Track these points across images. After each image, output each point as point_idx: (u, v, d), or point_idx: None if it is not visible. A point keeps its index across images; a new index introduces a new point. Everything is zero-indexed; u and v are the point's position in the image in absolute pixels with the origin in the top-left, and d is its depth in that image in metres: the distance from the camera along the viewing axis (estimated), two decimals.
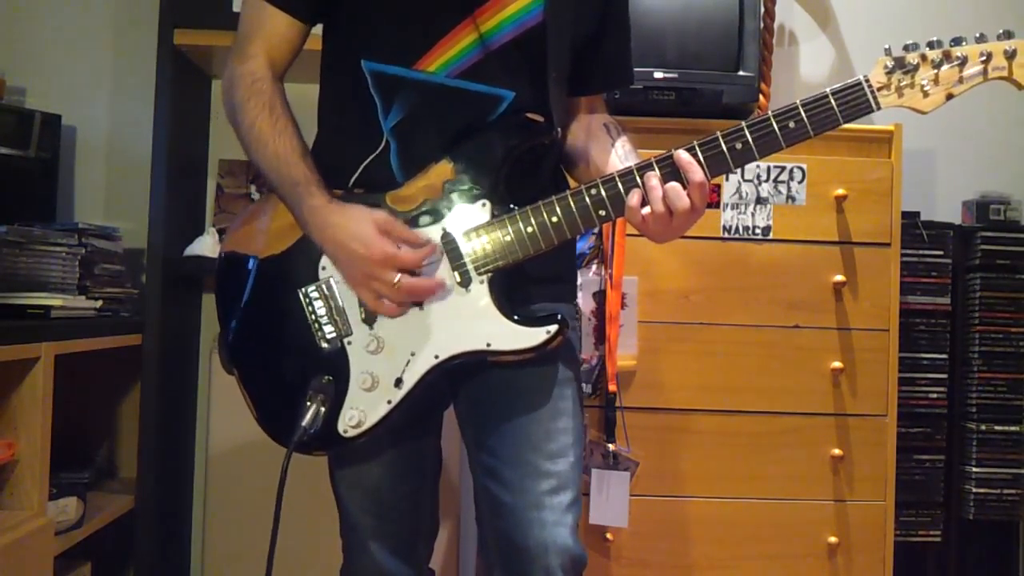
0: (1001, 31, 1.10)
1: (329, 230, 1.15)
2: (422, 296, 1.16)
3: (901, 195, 2.01)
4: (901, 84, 1.11)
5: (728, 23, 2.03)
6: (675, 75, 2.00)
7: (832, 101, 1.12)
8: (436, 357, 1.17)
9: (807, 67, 2.47)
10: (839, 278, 1.99)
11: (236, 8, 1.98)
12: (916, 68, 1.10)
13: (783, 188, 2.00)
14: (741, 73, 2.02)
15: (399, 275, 1.12)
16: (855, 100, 1.11)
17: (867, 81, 1.11)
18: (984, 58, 1.09)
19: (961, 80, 1.10)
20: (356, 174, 1.22)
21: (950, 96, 1.11)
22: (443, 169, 1.19)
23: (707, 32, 2.04)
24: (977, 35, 1.10)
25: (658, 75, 1.99)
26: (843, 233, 2.00)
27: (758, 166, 1.99)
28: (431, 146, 1.20)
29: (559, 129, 1.25)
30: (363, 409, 1.18)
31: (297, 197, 1.16)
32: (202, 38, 2.02)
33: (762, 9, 2.11)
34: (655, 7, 2.03)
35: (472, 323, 1.17)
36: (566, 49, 1.26)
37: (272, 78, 1.21)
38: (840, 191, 1.99)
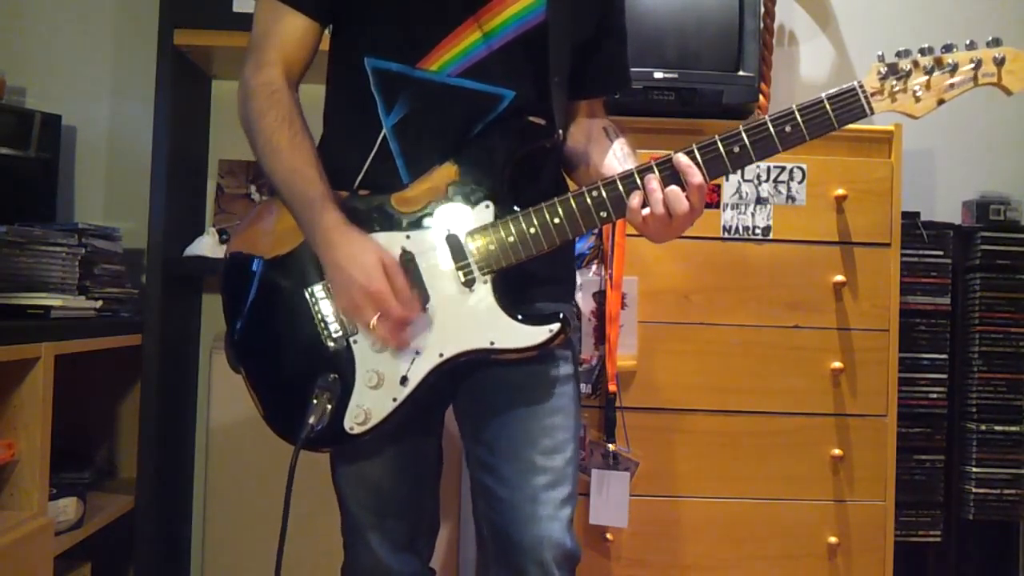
0: (990, 38, 1.12)
1: (335, 251, 1.15)
2: (391, 341, 1.17)
3: (901, 195, 2.01)
4: (894, 89, 1.13)
5: (728, 23, 2.03)
6: (675, 75, 2.00)
7: (827, 106, 1.13)
8: (441, 355, 1.18)
9: (807, 67, 2.47)
10: (839, 278, 1.99)
11: (236, 8, 1.98)
12: (908, 74, 1.13)
13: (783, 188, 2.00)
14: (741, 73, 2.02)
15: (376, 317, 1.14)
16: (849, 105, 1.13)
17: (861, 87, 1.13)
18: (974, 65, 1.12)
19: (952, 86, 1.13)
20: (361, 175, 1.23)
21: (941, 101, 1.14)
22: (447, 171, 1.20)
23: (707, 32, 2.04)
24: (967, 42, 1.12)
25: (658, 75, 1.99)
26: (843, 233, 2.00)
27: (758, 166, 1.99)
28: (433, 146, 1.21)
29: (560, 131, 1.26)
30: (369, 406, 1.19)
31: (311, 214, 1.16)
32: (202, 38, 2.02)
33: (762, 9, 2.11)
34: (655, 7, 2.03)
35: (476, 322, 1.18)
36: (567, 50, 1.27)
37: (289, 88, 1.21)
38: (840, 191, 1.99)
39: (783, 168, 2.00)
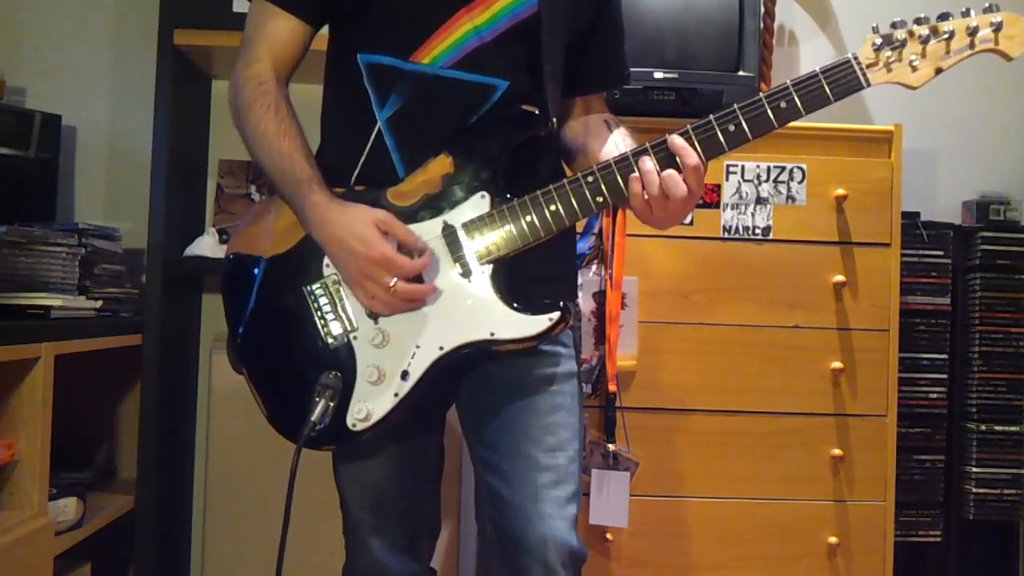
0: (987, 4, 1.11)
1: (329, 227, 1.15)
2: (415, 301, 1.17)
3: (901, 195, 2.01)
4: (890, 60, 1.12)
5: (728, 23, 2.03)
6: (675, 75, 2.00)
7: (822, 80, 1.13)
8: (441, 348, 1.18)
9: (807, 67, 2.43)
10: (839, 278, 1.99)
11: (236, 8, 1.98)
12: (904, 44, 1.11)
13: (783, 188, 2.00)
14: (741, 73, 2.02)
15: (395, 279, 1.13)
16: (845, 78, 1.12)
17: (856, 59, 1.12)
18: (971, 31, 1.10)
19: (949, 53, 1.11)
20: (356, 170, 1.23)
21: (939, 70, 1.12)
22: (442, 163, 1.20)
23: (707, 32, 2.04)
24: (963, 9, 1.11)
25: (658, 75, 1.99)
26: (843, 233, 2.00)
27: (758, 166, 1.99)
28: (428, 138, 1.21)
29: (555, 120, 1.26)
30: (371, 403, 1.19)
31: (300, 195, 1.17)
32: (202, 38, 2.02)
33: (762, 9, 2.11)
34: (655, 7, 2.03)
35: (475, 313, 1.18)
36: (561, 42, 1.27)
37: (276, 81, 1.22)
38: (840, 191, 1.99)
39: (783, 168, 2.00)
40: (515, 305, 1.18)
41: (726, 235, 2.00)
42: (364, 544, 1.31)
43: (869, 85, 1.12)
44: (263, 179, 2.29)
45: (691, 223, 1.96)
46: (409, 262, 1.14)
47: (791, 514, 1.99)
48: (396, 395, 1.18)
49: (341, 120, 1.29)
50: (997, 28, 1.09)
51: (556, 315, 1.17)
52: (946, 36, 1.10)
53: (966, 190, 2.40)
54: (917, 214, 2.21)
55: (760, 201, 2.00)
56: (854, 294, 2.00)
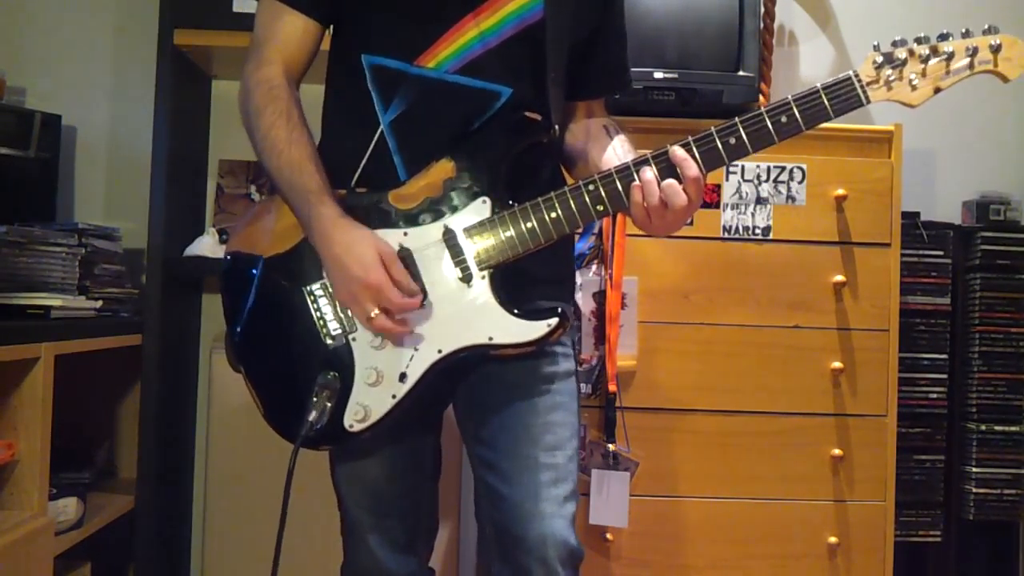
0: (987, 26, 1.12)
1: (332, 244, 1.15)
2: (388, 333, 1.17)
3: (901, 195, 2.01)
4: (890, 78, 1.14)
5: (728, 23, 2.03)
6: (675, 75, 2.00)
7: (823, 96, 1.14)
8: (439, 352, 1.18)
9: (807, 67, 2.47)
10: (839, 278, 1.99)
11: (236, 8, 1.98)
12: (904, 63, 1.13)
13: (783, 188, 2.00)
14: (741, 73, 2.02)
15: (376, 310, 1.14)
16: (845, 94, 1.14)
17: (856, 76, 1.14)
18: (970, 52, 1.12)
19: (948, 73, 1.13)
20: (358, 172, 1.23)
21: (938, 89, 1.14)
22: (444, 167, 1.20)
23: (707, 32, 2.04)
24: (963, 30, 1.12)
25: (658, 75, 1.99)
26: (843, 233, 2.00)
27: (758, 166, 1.99)
28: (430, 142, 1.21)
29: (556, 127, 1.26)
30: (368, 404, 1.19)
31: (308, 206, 1.17)
32: (202, 38, 2.02)
33: (762, 9, 2.11)
34: (655, 7, 2.03)
35: (474, 318, 1.18)
36: (564, 49, 1.27)
37: (288, 85, 1.22)
38: (840, 191, 1.99)
39: (783, 168, 2.00)
40: (515, 311, 1.18)
41: (726, 235, 2.00)
42: (363, 544, 1.31)
43: (869, 102, 1.14)
44: (263, 179, 2.29)
45: (691, 223, 1.96)
46: (399, 297, 1.14)
47: (791, 514, 1.99)
48: (394, 397, 1.19)
49: (343, 120, 1.29)
50: (996, 50, 1.11)
51: (555, 321, 1.17)
52: (946, 56, 1.12)
53: (966, 190, 2.40)
54: (917, 214, 2.21)
55: (760, 201, 2.00)
56: (854, 294, 2.00)
